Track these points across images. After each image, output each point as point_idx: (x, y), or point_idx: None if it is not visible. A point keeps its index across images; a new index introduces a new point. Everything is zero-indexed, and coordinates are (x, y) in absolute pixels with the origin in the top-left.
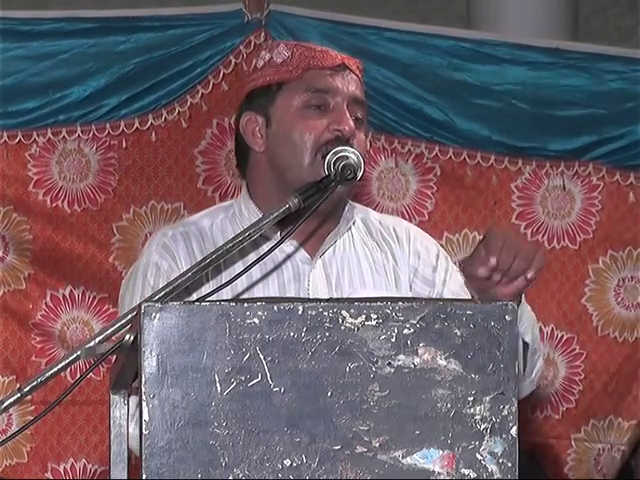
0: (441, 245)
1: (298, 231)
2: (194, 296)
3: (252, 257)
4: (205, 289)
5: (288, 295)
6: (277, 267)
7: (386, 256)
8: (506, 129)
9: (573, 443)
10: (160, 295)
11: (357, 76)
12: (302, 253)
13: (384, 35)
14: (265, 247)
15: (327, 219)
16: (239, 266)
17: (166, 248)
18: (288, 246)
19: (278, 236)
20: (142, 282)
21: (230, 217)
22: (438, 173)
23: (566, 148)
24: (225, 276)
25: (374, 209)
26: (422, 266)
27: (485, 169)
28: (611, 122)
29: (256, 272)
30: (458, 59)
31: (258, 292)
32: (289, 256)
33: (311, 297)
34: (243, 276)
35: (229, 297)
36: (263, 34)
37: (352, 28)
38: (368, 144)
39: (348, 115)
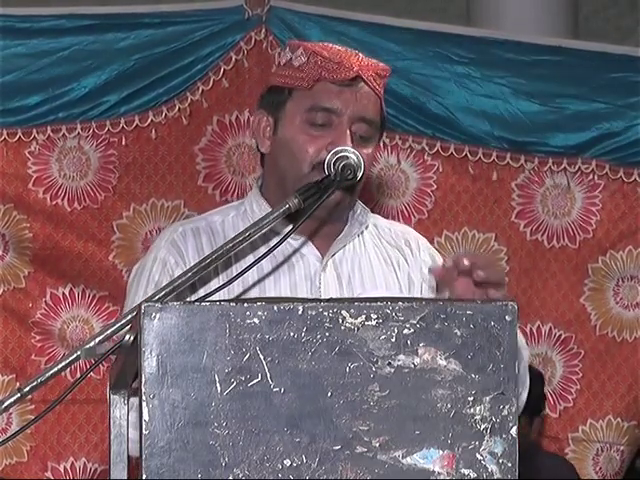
0: (440, 243)
1: (309, 229)
2: (201, 292)
3: (262, 251)
4: (214, 283)
5: (300, 294)
6: (289, 265)
7: (399, 259)
8: (508, 125)
9: (571, 442)
10: (160, 295)
11: (372, 88)
12: (314, 252)
13: (385, 32)
14: (271, 235)
15: (337, 217)
16: (250, 260)
17: (174, 244)
18: (300, 244)
19: (285, 227)
20: (147, 278)
21: (242, 214)
22: (439, 170)
23: (568, 144)
24: (235, 269)
25: (373, 207)
26: (431, 277)
27: (486, 166)
28: (613, 119)
29: (268, 270)
30: (460, 55)
31: (270, 290)
32: (301, 254)
33: (322, 297)
34: (255, 274)
35: (239, 294)
36: (264, 30)
37: (353, 25)
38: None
39: (349, 136)
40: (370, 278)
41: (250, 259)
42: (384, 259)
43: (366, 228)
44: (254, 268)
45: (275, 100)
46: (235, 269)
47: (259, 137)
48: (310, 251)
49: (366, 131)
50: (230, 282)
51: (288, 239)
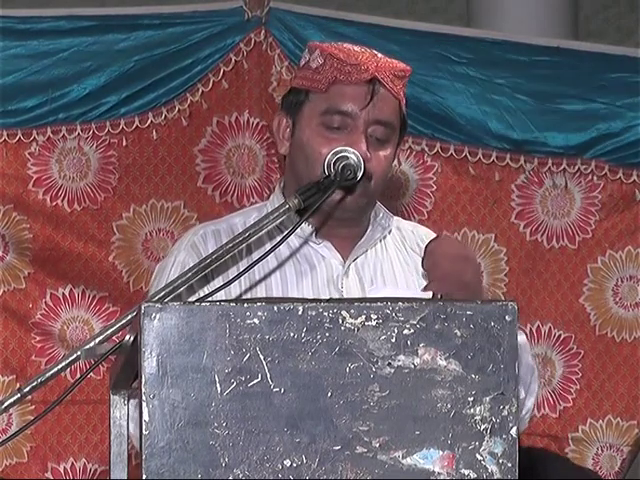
0: None
1: (331, 233)
2: (220, 280)
3: (283, 250)
4: (232, 272)
5: (322, 297)
6: (312, 269)
7: (420, 262)
8: (508, 126)
9: (571, 442)
10: (160, 295)
11: (389, 89)
12: (336, 256)
13: (385, 33)
14: (294, 239)
15: (351, 219)
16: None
17: (194, 247)
18: (322, 248)
19: (307, 229)
20: (165, 280)
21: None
22: (439, 171)
23: (568, 144)
24: (255, 257)
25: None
26: None
27: (486, 167)
28: (612, 119)
29: (291, 272)
30: (460, 55)
31: (292, 293)
32: (323, 258)
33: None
34: (277, 276)
35: (262, 294)
36: (263, 32)
37: (352, 26)
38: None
39: (364, 139)
40: (392, 283)
41: (268, 245)
42: (406, 264)
43: (389, 233)
44: (277, 271)
45: (293, 102)
46: (254, 256)
47: (278, 138)
48: (332, 255)
49: (383, 133)
50: (230, 282)
51: (311, 243)
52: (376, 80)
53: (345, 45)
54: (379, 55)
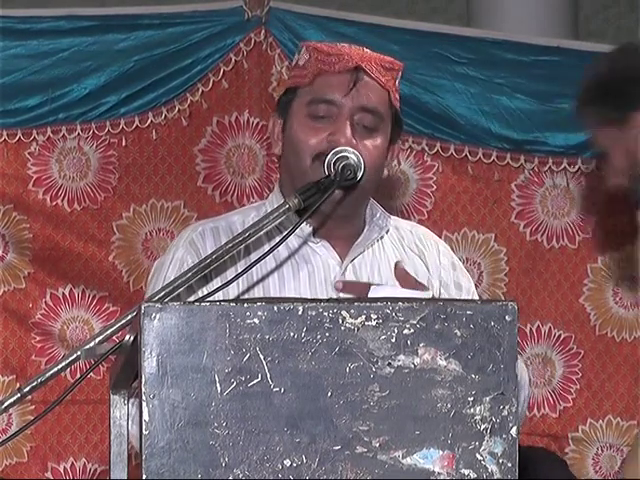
0: None
1: (329, 233)
2: (218, 281)
3: (281, 250)
4: (230, 272)
5: (320, 297)
6: (309, 269)
7: (420, 265)
8: (508, 125)
9: (571, 442)
10: (160, 295)
11: (375, 78)
12: (334, 256)
13: (385, 33)
14: (293, 238)
15: (347, 215)
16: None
17: (192, 244)
18: (319, 247)
19: (305, 229)
20: (163, 277)
21: (262, 214)
22: (439, 171)
23: (568, 144)
24: (253, 258)
25: None
26: (448, 281)
27: (486, 167)
28: None
29: (288, 271)
30: (460, 55)
31: (290, 291)
32: (321, 258)
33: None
34: (275, 276)
35: (260, 294)
36: (263, 32)
37: (353, 26)
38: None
39: (348, 126)
40: (390, 282)
41: (267, 247)
42: (405, 263)
43: (387, 232)
44: (275, 270)
45: (284, 101)
46: (253, 257)
47: (273, 139)
48: (330, 255)
49: (370, 121)
50: (230, 282)
51: (309, 242)
52: (360, 68)
53: (333, 43)
54: (366, 49)
